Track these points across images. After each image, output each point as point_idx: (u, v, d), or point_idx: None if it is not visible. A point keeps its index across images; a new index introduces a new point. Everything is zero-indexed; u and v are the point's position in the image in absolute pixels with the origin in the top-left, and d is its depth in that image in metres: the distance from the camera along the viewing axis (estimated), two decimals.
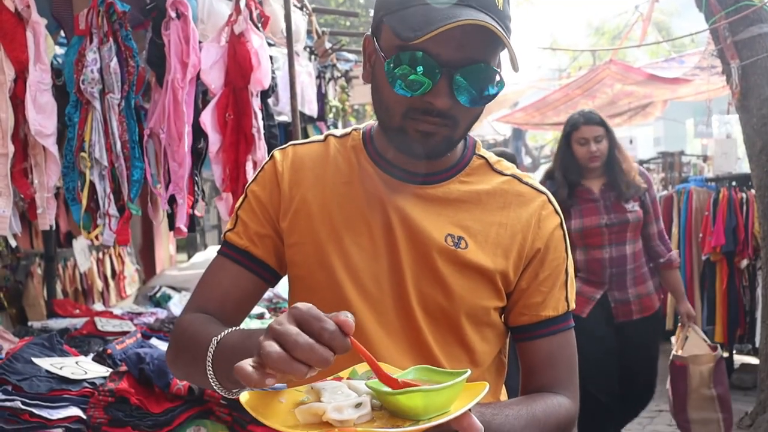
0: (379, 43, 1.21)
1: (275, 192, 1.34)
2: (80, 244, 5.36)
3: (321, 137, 1.41)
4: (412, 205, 1.28)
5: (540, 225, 1.31)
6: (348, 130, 1.41)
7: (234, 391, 1.11)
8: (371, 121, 1.40)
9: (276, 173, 1.35)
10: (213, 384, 1.12)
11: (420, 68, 1.14)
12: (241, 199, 1.38)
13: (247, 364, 0.89)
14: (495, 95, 1.21)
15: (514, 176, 1.35)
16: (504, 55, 1.22)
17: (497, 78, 1.18)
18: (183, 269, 5.50)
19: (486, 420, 1.06)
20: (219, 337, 1.11)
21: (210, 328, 1.18)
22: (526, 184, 1.35)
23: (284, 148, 1.40)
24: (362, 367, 1.06)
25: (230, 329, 1.12)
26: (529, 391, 1.32)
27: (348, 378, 1.02)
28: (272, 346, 0.87)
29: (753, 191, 5.42)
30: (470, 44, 1.13)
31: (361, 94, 6.26)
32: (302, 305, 0.90)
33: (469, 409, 0.91)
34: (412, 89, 1.16)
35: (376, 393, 0.92)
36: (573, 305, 1.35)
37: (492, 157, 1.38)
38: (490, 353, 1.34)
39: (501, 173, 1.35)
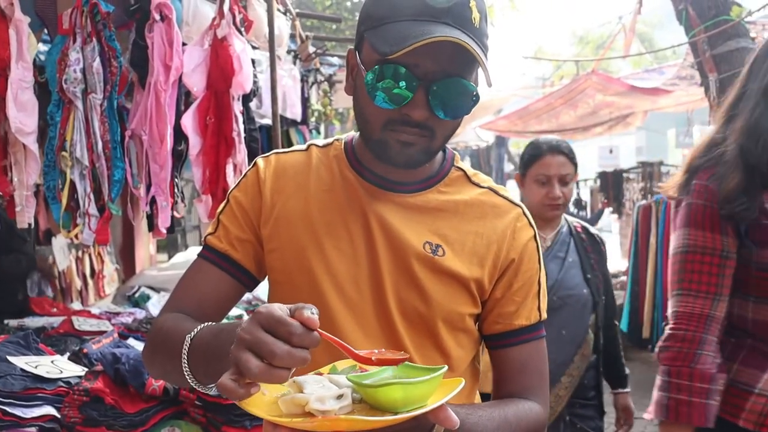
0: (360, 57, 1.26)
1: (257, 199, 1.37)
2: (59, 242, 5.33)
3: (304, 147, 1.44)
4: (392, 213, 1.32)
5: (515, 236, 1.36)
6: (330, 140, 1.45)
7: (211, 386, 1.13)
8: (353, 132, 1.44)
9: (258, 181, 1.37)
10: (190, 380, 1.13)
11: (399, 82, 1.19)
12: (223, 204, 1.41)
13: (228, 379, 0.90)
14: (470, 108, 1.25)
15: (490, 189, 1.40)
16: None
17: (473, 92, 1.23)
18: (163, 269, 5.48)
19: (460, 419, 1.08)
20: (192, 333, 1.13)
21: (184, 325, 1.20)
22: (502, 196, 1.40)
23: (267, 156, 1.43)
24: (342, 363, 1.10)
25: (203, 325, 1.14)
26: (501, 398, 1.36)
27: (329, 373, 1.05)
28: (250, 361, 0.88)
29: None
30: (446, 59, 1.17)
31: (345, 98, 6.28)
32: (263, 309, 0.91)
33: (446, 403, 0.95)
34: (392, 102, 1.20)
35: (356, 386, 0.95)
36: (545, 315, 1.40)
37: (470, 170, 1.43)
38: (465, 359, 1.38)
39: (478, 185, 1.40)
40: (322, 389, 0.95)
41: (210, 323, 1.15)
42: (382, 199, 1.33)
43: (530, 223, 1.40)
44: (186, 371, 1.13)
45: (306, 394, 0.92)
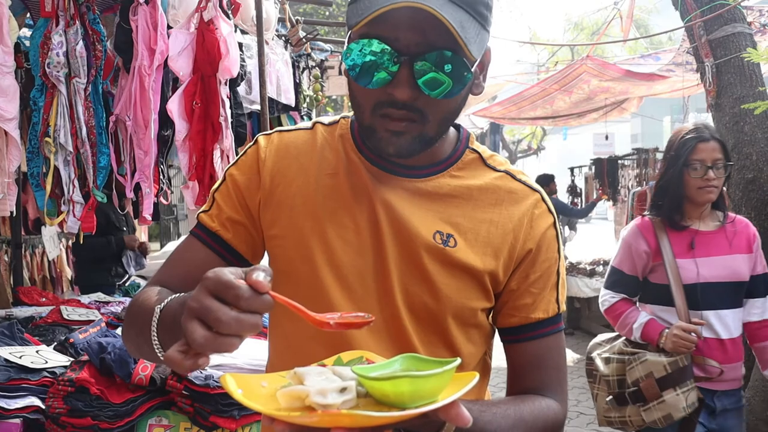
0: (350, 36, 1.16)
1: (254, 179, 1.28)
2: (49, 231, 5.29)
3: (309, 124, 1.35)
4: (400, 200, 1.22)
5: (532, 224, 1.26)
6: (336, 117, 1.35)
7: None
8: None
9: (258, 160, 1.29)
10: (160, 355, 1.05)
11: (379, 58, 1.09)
12: (219, 181, 1.33)
13: (175, 351, 0.85)
14: (463, 86, 1.13)
15: (507, 172, 1.29)
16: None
17: (466, 67, 1.10)
18: (154, 258, 5.45)
19: (473, 416, 1.01)
20: (162, 305, 1.05)
21: (159, 297, 1.12)
22: (520, 181, 1.29)
23: (270, 133, 1.34)
24: (348, 355, 1.03)
25: (175, 296, 1.06)
26: (515, 393, 1.28)
27: (334, 365, 0.97)
28: (196, 330, 0.83)
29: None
30: (431, 30, 1.06)
31: (337, 85, 6.22)
32: (211, 273, 0.85)
33: (458, 399, 0.87)
34: (374, 81, 1.11)
35: (361, 379, 0.87)
36: (563, 307, 1.30)
37: (486, 151, 1.32)
38: (476, 354, 1.30)
39: (494, 169, 1.29)
40: (325, 382, 0.87)
41: (182, 293, 1.06)
42: (390, 185, 1.23)
43: (549, 209, 1.29)
44: (155, 344, 1.04)
45: (306, 387, 0.85)
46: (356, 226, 1.22)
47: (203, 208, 1.33)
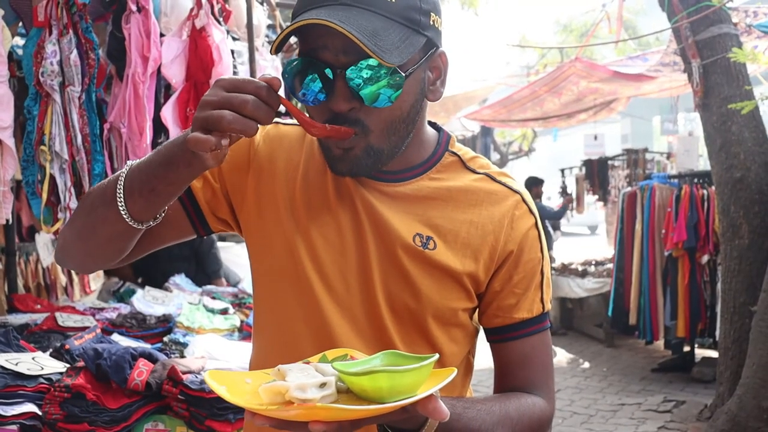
0: None
1: (243, 159, 1.30)
2: (43, 238, 5.27)
3: None
4: (380, 203, 1.25)
5: (513, 226, 1.27)
6: None
7: (150, 220, 1.17)
8: None
9: (251, 145, 1.30)
10: (122, 212, 1.13)
11: (312, 74, 1.13)
12: None
13: (197, 133, 0.96)
14: (402, 92, 1.14)
15: (487, 174, 1.31)
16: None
17: (398, 74, 1.12)
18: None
19: (457, 413, 1.05)
20: (125, 170, 1.15)
21: (114, 177, 1.19)
22: (500, 182, 1.31)
23: None
24: (333, 353, 1.06)
25: (133, 162, 1.16)
26: (503, 392, 1.30)
27: (319, 362, 1.00)
28: (223, 114, 0.96)
29: (713, 188, 5.52)
30: (348, 42, 1.06)
31: None
32: (226, 76, 0.96)
33: (435, 394, 0.90)
34: (309, 96, 1.15)
35: (341, 374, 0.90)
36: (549, 306, 1.33)
37: (467, 153, 1.34)
38: (459, 354, 1.32)
39: (474, 171, 1.31)
40: (306, 377, 0.91)
41: (145, 157, 1.16)
42: (370, 188, 1.25)
43: (530, 210, 1.30)
44: (122, 209, 1.13)
45: (287, 383, 0.88)
46: (338, 226, 1.25)
47: None
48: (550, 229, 8.97)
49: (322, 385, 0.89)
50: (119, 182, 1.14)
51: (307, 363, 0.99)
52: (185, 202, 1.30)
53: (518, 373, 1.29)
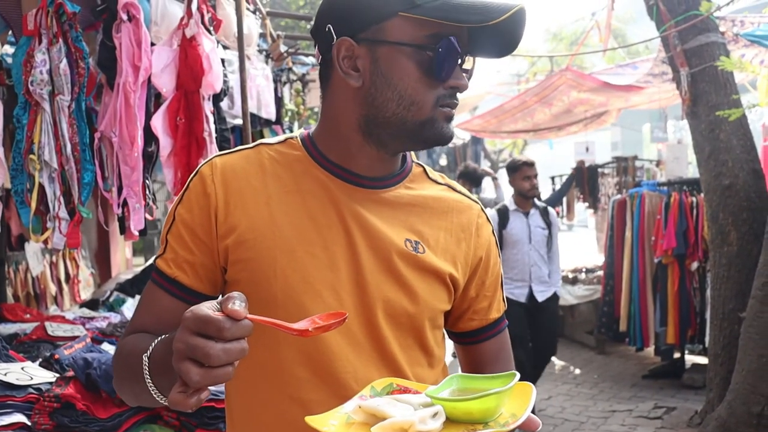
0: (384, 38, 1.19)
1: (205, 214, 1.24)
2: (32, 247, 5.26)
3: (251, 145, 1.33)
4: (369, 211, 1.26)
5: (479, 233, 1.37)
6: (282, 137, 1.35)
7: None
8: (303, 129, 1.36)
9: (205, 193, 1.25)
10: (160, 400, 1.08)
11: (460, 54, 1.21)
12: (169, 222, 1.27)
13: (176, 393, 0.88)
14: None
15: (448, 185, 1.41)
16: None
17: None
18: (138, 273, 5.43)
19: None
20: (148, 352, 1.07)
21: (142, 345, 1.12)
22: (461, 193, 1.41)
23: (210, 160, 1.29)
24: (379, 384, 1.07)
25: (157, 340, 1.07)
26: None
27: (370, 395, 1.02)
28: (190, 370, 0.86)
29: (702, 195, 5.56)
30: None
31: (318, 97, 6.23)
32: (189, 313, 0.88)
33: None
34: (457, 76, 1.22)
35: (439, 400, 0.95)
36: (505, 304, 1.45)
37: (426, 166, 1.42)
38: (442, 357, 1.36)
39: (436, 182, 1.40)
40: (408, 410, 0.94)
41: (163, 336, 1.08)
42: (358, 197, 1.26)
43: (487, 218, 1.42)
44: (154, 392, 1.07)
45: (407, 418, 0.90)
46: (324, 243, 1.24)
47: (158, 251, 1.30)
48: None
49: (434, 415, 0.93)
50: (149, 385, 1.08)
51: (364, 397, 1.00)
52: (191, 300, 1.25)
53: (492, 369, 1.39)
